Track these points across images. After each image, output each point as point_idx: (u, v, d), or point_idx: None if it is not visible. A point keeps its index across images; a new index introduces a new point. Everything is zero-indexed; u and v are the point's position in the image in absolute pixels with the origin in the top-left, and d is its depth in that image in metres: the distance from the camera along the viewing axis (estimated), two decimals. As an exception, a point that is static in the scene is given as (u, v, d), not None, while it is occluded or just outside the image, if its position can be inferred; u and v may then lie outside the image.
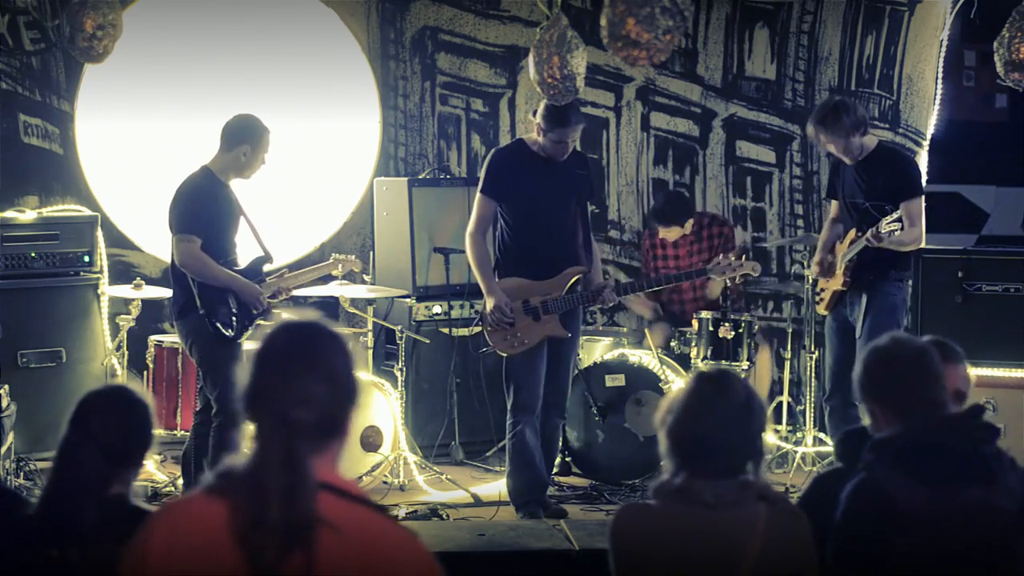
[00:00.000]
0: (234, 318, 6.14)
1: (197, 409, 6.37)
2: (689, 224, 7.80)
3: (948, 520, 3.16)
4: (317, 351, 2.55)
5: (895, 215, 6.39)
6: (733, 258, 6.77)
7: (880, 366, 3.39)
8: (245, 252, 6.36)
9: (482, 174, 6.50)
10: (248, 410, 2.53)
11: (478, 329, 7.39)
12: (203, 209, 6.15)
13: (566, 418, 6.88)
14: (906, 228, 6.45)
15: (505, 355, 6.43)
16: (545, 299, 6.42)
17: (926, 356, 3.38)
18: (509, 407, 6.46)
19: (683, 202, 7.98)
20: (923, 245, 6.97)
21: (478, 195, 6.48)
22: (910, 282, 6.89)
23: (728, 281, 7.08)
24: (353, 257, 6.86)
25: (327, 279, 7.00)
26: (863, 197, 6.66)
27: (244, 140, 6.22)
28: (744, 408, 3.15)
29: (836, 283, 6.76)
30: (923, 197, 6.71)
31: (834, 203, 6.94)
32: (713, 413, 3.13)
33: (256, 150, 6.23)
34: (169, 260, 6.25)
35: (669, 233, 7.85)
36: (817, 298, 6.97)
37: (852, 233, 6.68)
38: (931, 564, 3.14)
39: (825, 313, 6.88)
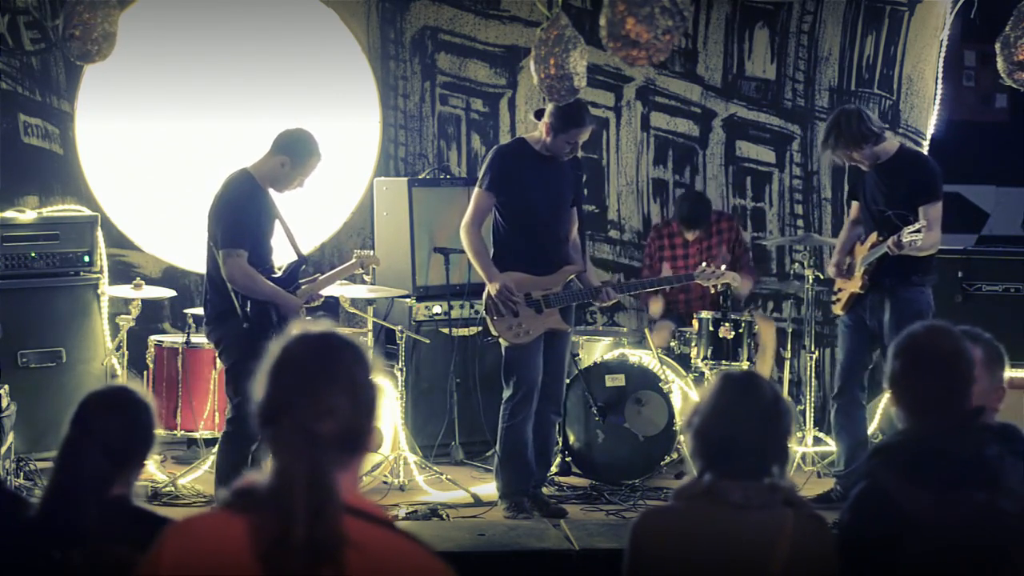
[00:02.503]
0: (274, 332, 6.03)
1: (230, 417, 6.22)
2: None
3: (953, 525, 3.14)
4: (338, 362, 2.47)
5: (917, 225, 6.35)
6: (714, 267, 6.94)
7: (908, 358, 3.29)
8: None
9: (483, 170, 6.52)
10: (267, 425, 2.45)
11: (477, 329, 7.42)
12: (247, 218, 6.05)
13: (563, 415, 6.90)
14: (924, 233, 6.42)
15: (508, 344, 6.45)
16: (547, 293, 6.48)
17: (961, 356, 3.29)
18: (507, 398, 6.50)
19: (706, 205, 8.13)
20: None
21: (478, 190, 6.50)
22: (932, 286, 6.76)
23: (712, 289, 7.17)
24: (372, 252, 6.81)
25: (351, 278, 7.00)
26: (885, 203, 6.60)
27: (286, 151, 6.12)
28: (772, 409, 3.13)
29: (854, 285, 6.71)
30: (942, 202, 6.62)
31: (855, 204, 6.90)
32: (742, 414, 3.11)
33: (296, 167, 6.12)
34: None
35: (691, 234, 7.99)
36: (834, 298, 6.92)
37: (873, 236, 6.63)
38: (936, 568, 3.13)
39: (841, 313, 6.83)
